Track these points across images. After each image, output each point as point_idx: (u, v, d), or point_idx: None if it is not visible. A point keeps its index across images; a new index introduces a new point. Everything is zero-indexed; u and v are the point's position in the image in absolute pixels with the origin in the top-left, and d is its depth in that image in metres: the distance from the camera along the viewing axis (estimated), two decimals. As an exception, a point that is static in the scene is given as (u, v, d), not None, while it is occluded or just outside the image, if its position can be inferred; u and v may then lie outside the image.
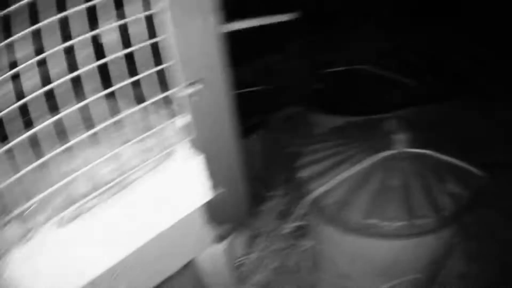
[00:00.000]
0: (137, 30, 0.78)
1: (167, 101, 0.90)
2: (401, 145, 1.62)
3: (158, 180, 0.88)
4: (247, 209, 1.14)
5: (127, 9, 0.77)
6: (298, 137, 2.46)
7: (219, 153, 1.03)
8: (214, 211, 1.05)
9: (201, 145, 0.97)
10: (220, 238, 1.11)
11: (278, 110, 2.56)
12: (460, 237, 1.77)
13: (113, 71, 0.79)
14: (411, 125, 1.67)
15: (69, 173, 0.70)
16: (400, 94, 2.39)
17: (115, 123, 0.78)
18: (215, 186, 1.03)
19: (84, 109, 0.77)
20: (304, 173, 1.78)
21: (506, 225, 2.01)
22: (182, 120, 0.94)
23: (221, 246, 1.12)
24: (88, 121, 0.76)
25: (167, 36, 0.83)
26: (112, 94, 0.77)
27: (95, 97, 0.78)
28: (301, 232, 1.92)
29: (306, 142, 2.03)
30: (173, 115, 0.92)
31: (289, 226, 1.83)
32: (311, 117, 2.46)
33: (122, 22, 0.76)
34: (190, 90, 0.93)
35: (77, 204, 0.70)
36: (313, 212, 1.67)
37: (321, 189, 1.63)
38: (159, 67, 0.85)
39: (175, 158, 0.93)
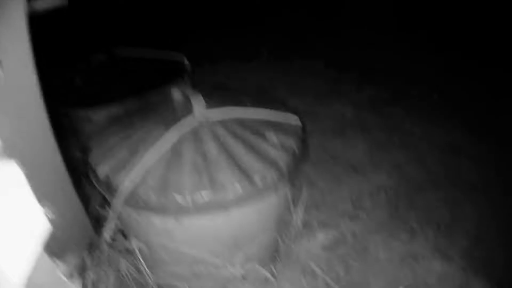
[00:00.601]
0: None
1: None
2: (199, 112, 1.50)
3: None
4: (92, 232, 0.91)
5: None
6: (75, 137, 2.12)
7: (41, 162, 0.78)
8: (56, 242, 0.80)
9: (16, 149, 0.70)
10: (73, 273, 0.86)
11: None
12: (297, 187, 1.83)
13: None
14: (198, 91, 1.57)
15: None
16: (162, 69, 2.39)
17: None
18: (46, 207, 0.78)
19: None
20: (103, 170, 1.50)
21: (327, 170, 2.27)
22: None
23: (77, 282, 0.87)
24: None
25: None
26: None
27: None
28: (124, 234, 1.70)
29: (89, 138, 1.73)
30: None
31: (109, 231, 1.55)
32: (79, 114, 2.15)
33: None
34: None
35: None
36: (132, 207, 1.43)
37: (132, 180, 1.39)
38: None
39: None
